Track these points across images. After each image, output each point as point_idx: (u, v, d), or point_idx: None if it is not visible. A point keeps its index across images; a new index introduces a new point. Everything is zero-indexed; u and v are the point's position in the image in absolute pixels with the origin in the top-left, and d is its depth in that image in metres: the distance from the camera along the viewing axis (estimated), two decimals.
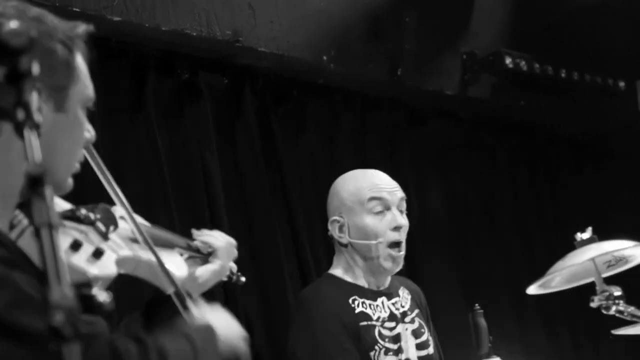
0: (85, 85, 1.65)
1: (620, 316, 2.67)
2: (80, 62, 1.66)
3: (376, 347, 2.80)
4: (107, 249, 1.75)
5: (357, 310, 2.84)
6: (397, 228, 2.89)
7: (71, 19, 3.45)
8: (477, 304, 3.27)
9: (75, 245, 1.67)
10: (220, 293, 3.65)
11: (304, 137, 4.30)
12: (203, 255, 2.12)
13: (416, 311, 2.99)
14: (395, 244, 2.89)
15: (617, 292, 2.64)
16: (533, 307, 4.96)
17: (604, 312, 2.66)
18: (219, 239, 2.17)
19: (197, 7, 3.75)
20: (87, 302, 1.23)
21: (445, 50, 4.84)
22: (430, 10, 4.70)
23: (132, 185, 3.59)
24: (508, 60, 4.92)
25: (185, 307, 1.84)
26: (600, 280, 2.68)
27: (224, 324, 1.76)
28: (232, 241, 2.20)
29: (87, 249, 1.69)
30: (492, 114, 5.18)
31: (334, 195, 2.97)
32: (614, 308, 2.64)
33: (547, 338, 5.10)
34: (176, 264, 1.98)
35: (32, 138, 1.26)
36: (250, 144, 4.05)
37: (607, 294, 2.62)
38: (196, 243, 2.13)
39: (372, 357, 2.79)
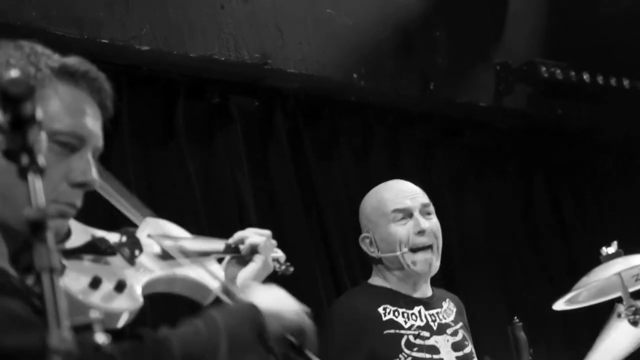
0: (50, 118, 1.57)
1: None
2: (60, 94, 1.61)
3: (400, 356, 2.81)
4: (131, 278, 1.72)
5: (385, 318, 2.87)
6: (421, 232, 2.92)
7: (100, 51, 3.54)
8: (516, 317, 3.26)
9: (95, 283, 1.64)
10: None
11: (337, 155, 4.30)
12: (243, 256, 2.09)
13: (460, 324, 3.01)
14: (419, 249, 2.92)
15: None
16: (580, 318, 4.89)
17: (633, 326, 2.63)
18: (254, 235, 2.12)
19: (225, 32, 3.79)
20: (86, 345, 1.24)
21: (478, 62, 4.82)
22: (461, 23, 4.69)
23: (165, 211, 3.63)
24: (543, 69, 4.89)
25: None
26: (627, 294, 2.66)
27: (275, 300, 1.70)
28: (267, 232, 2.14)
29: (108, 284, 1.66)
30: (529, 124, 5.14)
31: (361, 214, 3.06)
32: None
33: None
34: (212, 272, 1.93)
35: (35, 182, 1.28)
36: (283, 165, 4.06)
37: (633, 308, 2.59)
38: (234, 244, 2.10)
39: None
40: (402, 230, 2.92)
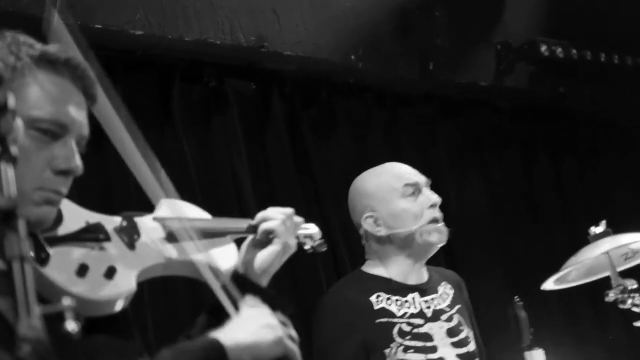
0: (29, 106, 1.58)
1: (636, 309, 2.62)
2: (39, 82, 1.62)
3: (392, 345, 2.80)
4: (125, 263, 1.71)
5: (376, 307, 2.85)
6: (433, 206, 2.92)
7: (94, 36, 3.52)
8: (516, 296, 3.26)
9: (82, 270, 1.63)
10: None
11: (335, 138, 4.29)
12: (264, 238, 2.00)
13: (457, 307, 2.98)
14: (434, 220, 2.91)
15: (633, 285, 2.60)
16: (582, 297, 4.89)
17: (620, 306, 2.63)
18: (274, 216, 2.02)
19: (220, 16, 3.77)
20: (55, 333, 1.24)
21: (478, 41, 4.79)
22: (460, 3, 4.66)
23: None
24: (544, 48, 4.86)
25: (234, 301, 1.77)
26: (615, 274, 2.65)
27: (251, 330, 1.66)
28: (288, 211, 2.04)
29: (96, 271, 1.65)
30: (531, 103, 5.12)
31: (358, 195, 2.99)
32: (629, 301, 2.60)
33: (599, 328, 5.01)
34: (223, 254, 1.90)
35: (8, 171, 1.28)
36: (281, 148, 4.06)
37: (621, 287, 2.58)
38: (256, 223, 2.02)
39: (388, 354, 2.79)
40: (415, 205, 2.90)
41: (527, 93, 5.00)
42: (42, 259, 1.59)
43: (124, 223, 1.77)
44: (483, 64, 4.78)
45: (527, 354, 3.09)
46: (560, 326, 4.70)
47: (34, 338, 1.18)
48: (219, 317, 1.78)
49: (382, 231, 2.92)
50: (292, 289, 3.86)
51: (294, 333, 1.71)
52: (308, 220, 3.98)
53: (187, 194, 3.63)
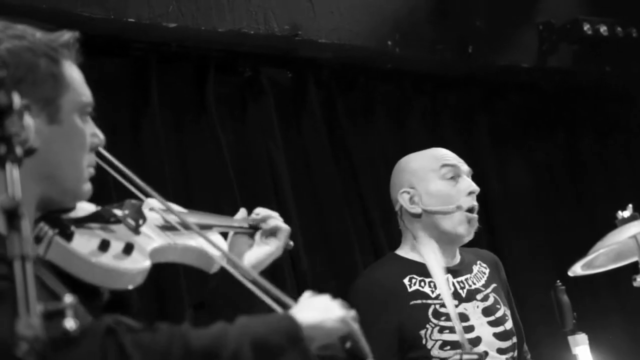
0: (78, 93, 1.68)
1: None
2: (70, 69, 1.69)
3: (427, 326, 2.80)
4: (138, 243, 1.77)
5: (410, 289, 2.86)
6: (471, 193, 2.92)
7: (127, 29, 3.55)
8: (558, 281, 3.22)
9: (103, 245, 1.69)
10: (291, 277, 3.68)
11: (373, 124, 4.27)
12: (252, 230, 2.09)
13: (493, 286, 2.98)
14: (470, 210, 2.91)
15: None
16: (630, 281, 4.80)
17: None
18: (279, 219, 2.11)
19: (253, 5, 3.77)
20: (55, 330, 1.25)
21: (519, 22, 4.72)
22: None
23: (199, 186, 3.66)
24: (587, 27, 4.77)
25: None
26: None
27: (316, 310, 1.68)
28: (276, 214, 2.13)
29: (116, 247, 1.72)
30: (575, 84, 5.03)
31: (400, 171, 3.01)
32: None
33: None
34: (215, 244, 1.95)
35: (13, 172, 1.30)
36: (318, 136, 4.05)
37: None
38: (252, 220, 2.09)
39: (423, 336, 2.80)
40: (452, 189, 2.91)
41: (572, 73, 4.92)
42: (68, 234, 1.66)
43: (129, 210, 1.83)
44: (525, 45, 4.71)
45: (570, 339, 3.04)
46: (606, 311, 4.62)
47: (32, 337, 1.20)
48: (205, 311, 1.83)
49: (416, 208, 2.92)
50: (330, 275, 3.87)
51: (354, 314, 1.73)
52: (346, 203, 4.01)
53: (224, 184, 3.70)
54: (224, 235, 2.06)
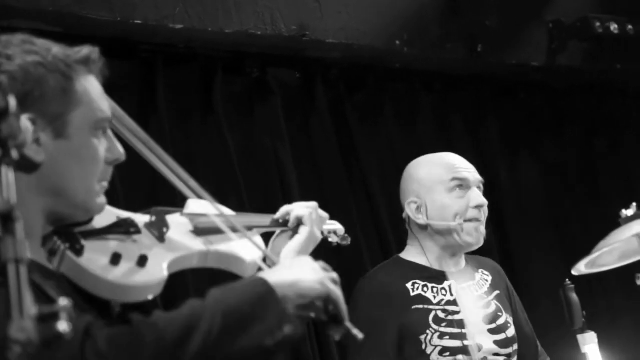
0: (91, 108, 1.68)
1: None
2: (87, 85, 1.69)
3: (428, 332, 2.80)
4: (156, 253, 1.76)
5: (413, 294, 2.86)
6: (478, 206, 2.91)
7: (134, 31, 3.55)
8: (567, 279, 3.21)
9: (115, 259, 1.69)
10: None
11: (382, 124, 4.26)
12: (289, 229, 2.09)
13: (495, 293, 2.98)
14: (475, 220, 2.91)
15: None
16: None
17: None
18: (299, 208, 2.11)
19: (260, 6, 3.76)
20: (48, 334, 1.25)
21: (529, 21, 4.70)
22: None
23: (207, 187, 3.65)
24: (597, 25, 4.75)
25: None
26: None
27: (293, 270, 1.68)
28: (313, 204, 2.13)
29: (129, 260, 1.71)
30: (586, 82, 5.01)
31: (409, 179, 3.00)
32: None
33: None
34: (247, 247, 1.94)
35: (8, 175, 1.30)
36: (326, 136, 4.04)
37: None
38: (280, 218, 2.11)
39: (423, 341, 2.80)
40: (459, 202, 2.90)
41: (582, 72, 4.89)
42: (77, 250, 1.66)
43: (154, 218, 1.82)
44: (535, 44, 4.69)
45: (579, 337, 3.03)
46: (617, 309, 4.60)
47: (24, 340, 1.20)
48: None
49: (421, 219, 2.93)
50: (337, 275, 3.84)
51: (335, 276, 1.73)
52: (355, 209, 3.99)
53: (231, 185, 3.70)
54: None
